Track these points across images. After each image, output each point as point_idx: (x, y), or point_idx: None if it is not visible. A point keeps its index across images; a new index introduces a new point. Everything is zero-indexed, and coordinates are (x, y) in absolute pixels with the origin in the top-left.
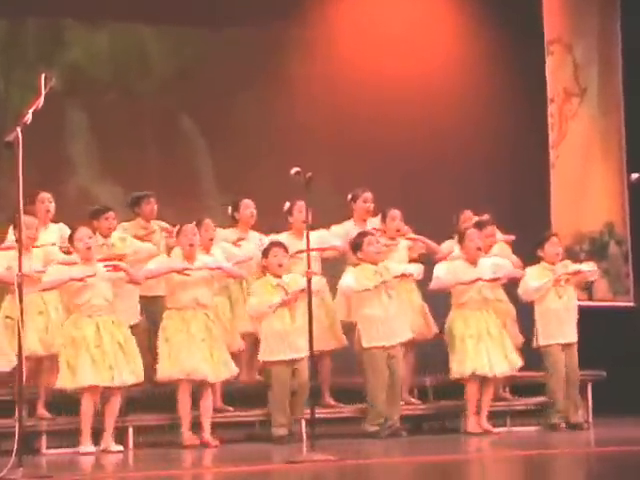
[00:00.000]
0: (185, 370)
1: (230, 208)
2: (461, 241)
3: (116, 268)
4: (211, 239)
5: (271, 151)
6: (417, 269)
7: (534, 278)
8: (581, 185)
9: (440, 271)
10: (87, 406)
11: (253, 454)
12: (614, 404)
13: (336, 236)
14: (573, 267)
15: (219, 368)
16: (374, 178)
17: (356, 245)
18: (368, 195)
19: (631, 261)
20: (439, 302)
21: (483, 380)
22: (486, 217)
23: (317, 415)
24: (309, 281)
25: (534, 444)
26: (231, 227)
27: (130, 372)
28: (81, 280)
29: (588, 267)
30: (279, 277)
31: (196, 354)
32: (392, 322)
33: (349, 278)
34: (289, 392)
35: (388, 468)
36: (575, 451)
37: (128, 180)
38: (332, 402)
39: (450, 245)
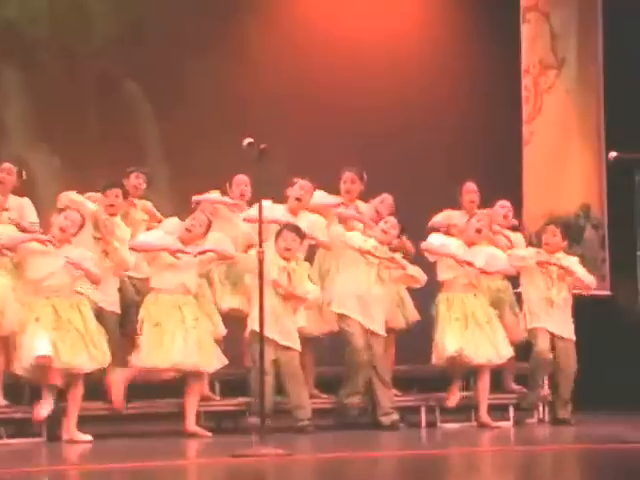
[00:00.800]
0: (175, 359)
1: (228, 185)
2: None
3: (76, 266)
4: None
5: (225, 120)
6: (418, 271)
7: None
8: (556, 164)
9: (434, 239)
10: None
11: (192, 447)
12: (588, 401)
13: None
14: (569, 263)
15: (210, 358)
16: (339, 148)
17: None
18: (347, 175)
19: (608, 246)
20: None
21: (476, 370)
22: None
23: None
24: (260, 262)
25: (504, 439)
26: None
27: (90, 358)
28: (41, 243)
29: (585, 276)
30: (287, 260)
31: (189, 342)
32: (370, 306)
33: (353, 234)
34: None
35: (331, 464)
36: (546, 449)
37: (66, 149)
38: (316, 392)
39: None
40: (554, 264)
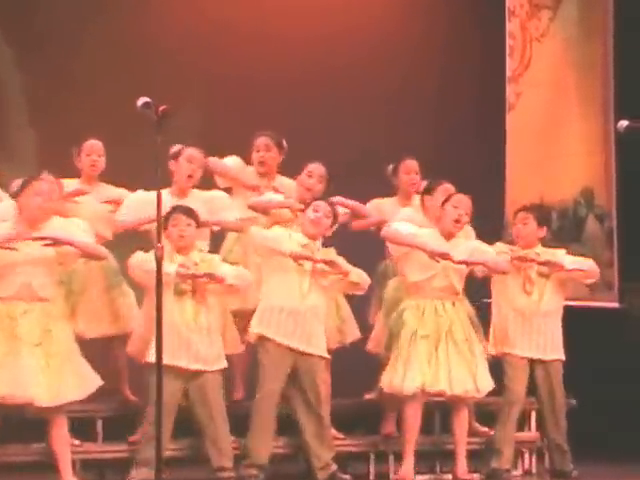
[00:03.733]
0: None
1: (75, 153)
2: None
3: None
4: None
5: (115, 74)
6: (361, 276)
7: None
8: (549, 135)
9: (400, 226)
10: None
11: None
12: (587, 445)
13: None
14: (553, 256)
15: (60, 385)
16: (261, 115)
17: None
18: (261, 140)
19: (617, 243)
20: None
21: (453, 404)
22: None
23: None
24: (159, 261)
25: None
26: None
27: None
28: None
29: (580, 263)
30: (183, 253)
31: (23, 366)
32: (306, 322)
33: (266, 230)
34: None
35: None
36: None
37: None
38: None
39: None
40: (532, 260)
